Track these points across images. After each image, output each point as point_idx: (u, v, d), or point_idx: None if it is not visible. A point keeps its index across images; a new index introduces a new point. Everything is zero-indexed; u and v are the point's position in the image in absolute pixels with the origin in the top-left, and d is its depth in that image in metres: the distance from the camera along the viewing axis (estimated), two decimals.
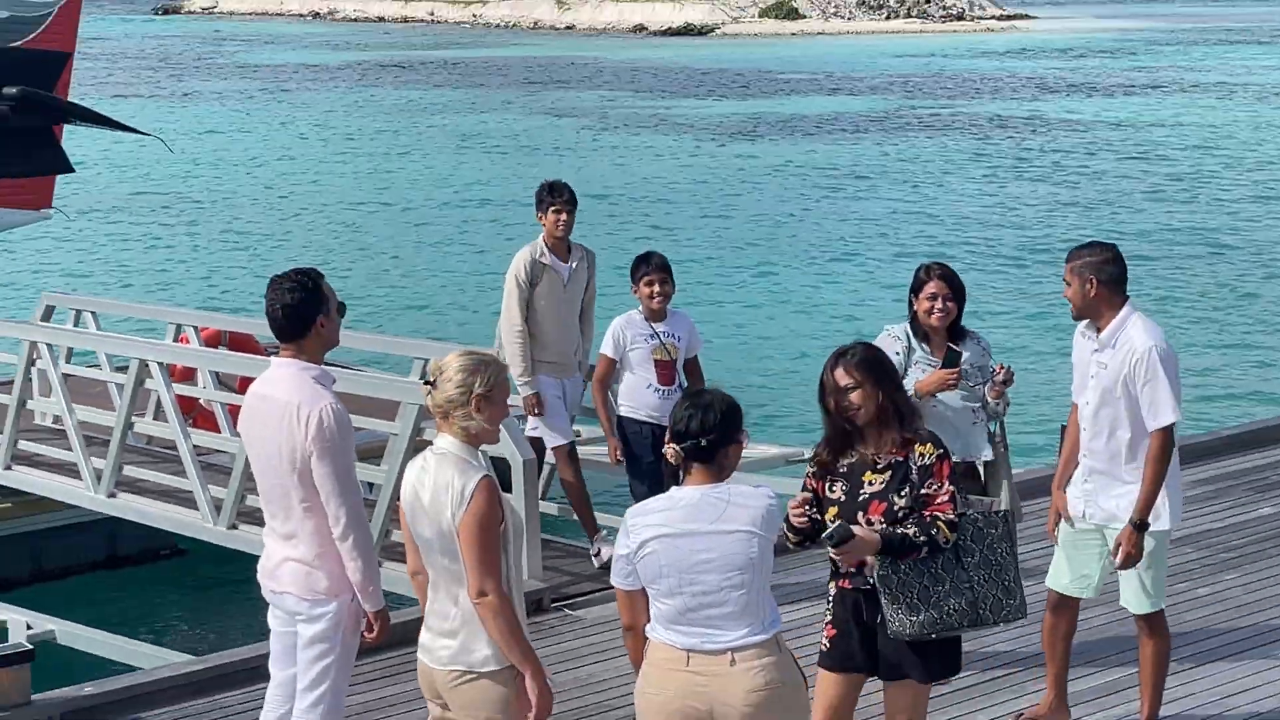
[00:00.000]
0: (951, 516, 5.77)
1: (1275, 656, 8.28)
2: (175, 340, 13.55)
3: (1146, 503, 6.87)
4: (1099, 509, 7.06)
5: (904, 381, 7.38)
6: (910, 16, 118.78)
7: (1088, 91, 66.63)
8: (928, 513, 5.76)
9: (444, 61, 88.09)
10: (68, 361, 13.24)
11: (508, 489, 8.75)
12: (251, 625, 11.76)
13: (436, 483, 5.51)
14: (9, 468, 12.72)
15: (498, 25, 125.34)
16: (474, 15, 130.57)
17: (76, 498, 12.26)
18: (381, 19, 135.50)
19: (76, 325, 14.06)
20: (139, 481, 11.91)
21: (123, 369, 12.38)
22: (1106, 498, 7.02)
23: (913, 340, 7.65)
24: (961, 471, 7.47)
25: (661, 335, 9.12)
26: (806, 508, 5.90)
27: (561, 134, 53.38)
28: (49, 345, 12.58)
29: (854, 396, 5.80)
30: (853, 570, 5.87)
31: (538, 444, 9.87)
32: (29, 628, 10.64)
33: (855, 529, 5.64)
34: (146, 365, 11.49)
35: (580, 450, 10.21)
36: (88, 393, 13.31)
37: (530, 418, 9.84)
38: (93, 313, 14.26)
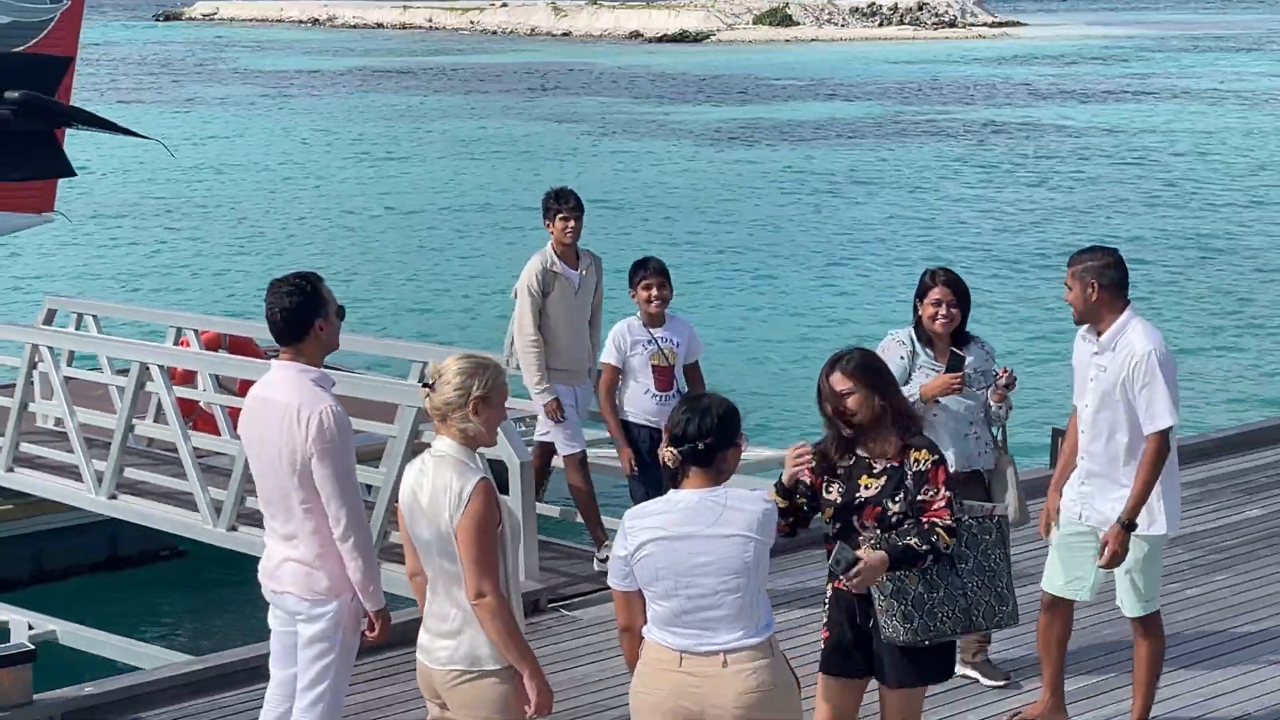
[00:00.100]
0: (950, 522, 5.78)
1: (1264, 658, 8.33)
2: (176, 343, 13.64)
3: (1136, 504, 6.89)
4: (1095, 511, 7.07)
5: (908, 387, 7.45)
6: (903, 24, 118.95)
7: (1080, 98, 66.63)
8: (925, 519, 5.77)
9: (442, 67, 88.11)
10: (69, 364, 13.28)
11: (505, 491, 8.82)
12: (251, 626, 11.82)
13: (435, 485, 5.54)
14: (11, 470, 12.76)
15: (495, 31, 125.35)
16: (471, 21, 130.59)
17: (78, 499, 12.30)
18: (380, 25, 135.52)
19: (78, 328, 14.11)
20: (140, 483, 11.95)
21: (124, 372, 12.42)
22: (1103, 501, 7.04)
23: (917, 345, 7.64)
24: (965, 478, 7.54)
25: (659, 341, 9.09)
26: (801, 484, 5.88)
27: (559, 139, 53.40)
28: (51, 348, 12.62)
29: (850, 402, 5.81)
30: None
31: (550, 448, 9.89)
32: (30, 628, 10.71)
33: (860, 554, 5.64)
34: (147, 368, 11.53)
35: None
36: (89, 395, 13.37)
37: (540, 422, 9.87)
38: (94, 316, 14.31)
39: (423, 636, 5.74)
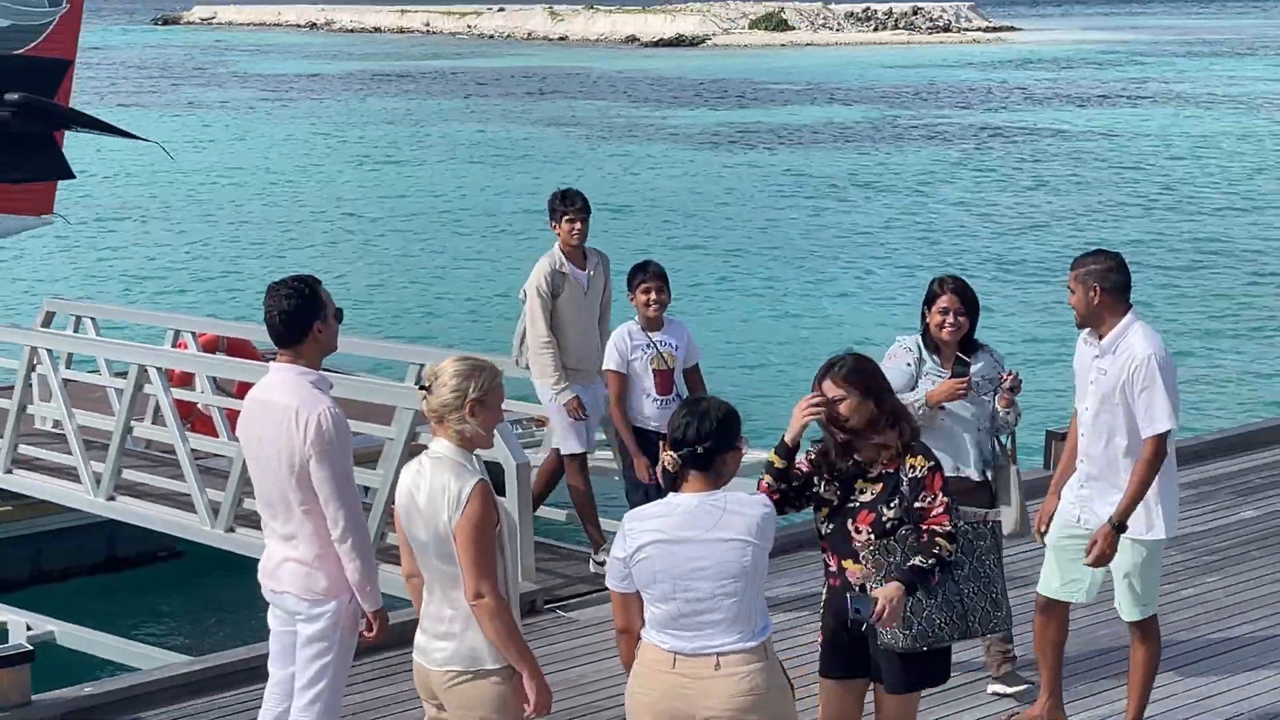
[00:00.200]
0: (949, 528, 5.79)
1: (1257, 658, 8.36)
2: (174, 346, 13.68)
3: (1128, 506, 6.89)
4: (1094, 515, 7.06)
5: (914, 393, 7.47)
6: (898, 29, 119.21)
7: (1075, 102, 66.74)
8: (925, 526, 5.77)
9: (439, 71, 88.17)
10: (68, 367, 13.30)
11: (501, 492, 8.85)
12: (249, 626, 11.88)
13: (432, 486, 5.55)
14: (10, 471, 12.80)
15: (492, 36, 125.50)
16: (469, 26, 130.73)
17: (76, 501, 12.34)
18: (378, 29, 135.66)
19: (76, 331, 14.15)
20: (138, 485, 11.99)
21: (122, 374, 12.44)
22: (1102, 504, 7.02)
23: (924, 352, 7.62)
24: (973, 486, 7.55)
25: (659, 345, 9.05)
26: (798, 467, 5.87)
27: (556, 143, 53.44)
28: (49, 350, 12.65)
29: (843, 407, 5.81)
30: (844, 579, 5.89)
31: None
32: (29, 629, 10.75)
33: (876, 593, 5.62)
34: (145, 370, 11.56)
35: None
36: (87, 397, 13.40)
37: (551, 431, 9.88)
38: (92, 318, 14.34)
39: (419, 638, 5.76)
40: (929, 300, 7.64)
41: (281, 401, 6.12)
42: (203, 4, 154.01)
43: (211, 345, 14.23)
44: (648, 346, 9.05)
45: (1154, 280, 28.29)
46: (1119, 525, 6.93)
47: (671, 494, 5.38)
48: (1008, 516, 7.65)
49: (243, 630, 11.98)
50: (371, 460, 11.11)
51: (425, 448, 5.74)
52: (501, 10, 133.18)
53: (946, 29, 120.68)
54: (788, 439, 5.85)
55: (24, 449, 12.88)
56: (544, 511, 10.73)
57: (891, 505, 5.79)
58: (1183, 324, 25.58)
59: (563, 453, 9.88)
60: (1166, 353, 6.94)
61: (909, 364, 7.58)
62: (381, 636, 6.33)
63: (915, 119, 60.07)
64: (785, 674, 5.41)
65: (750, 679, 5.26)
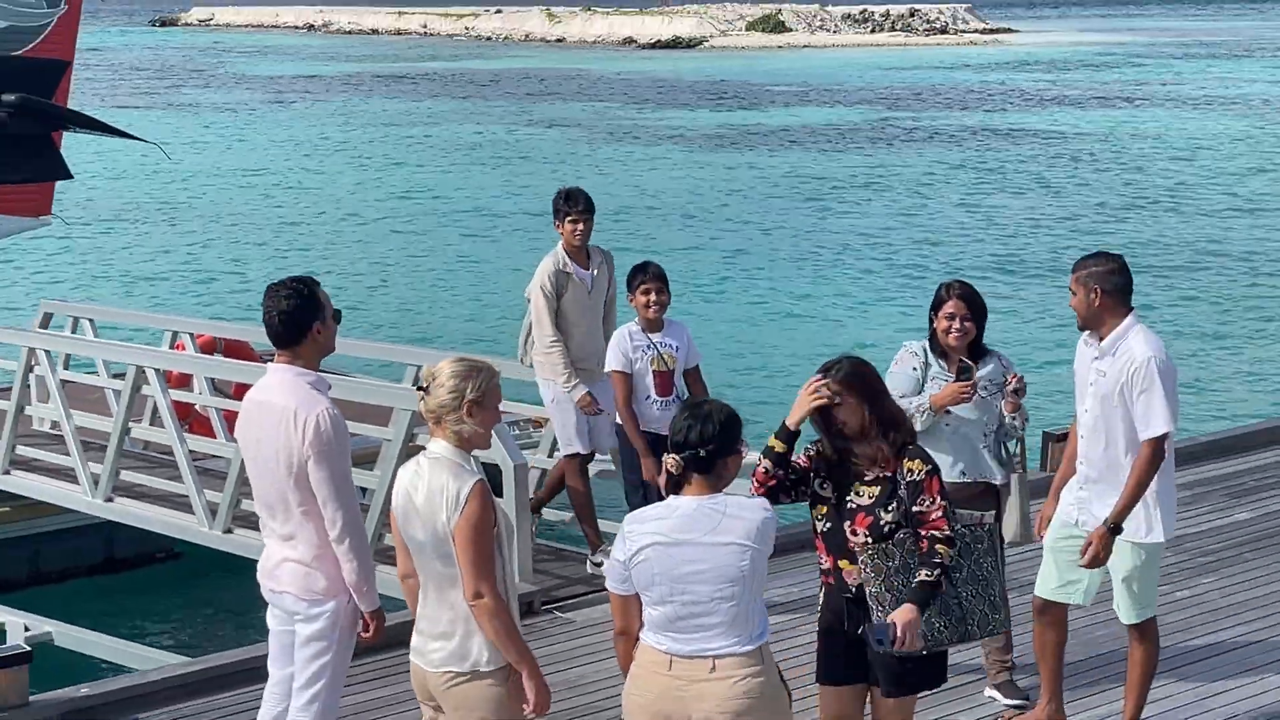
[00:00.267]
0: (948, 532, 5.79)
1: (1252, 659, 8.39)
2: (171, 347, 13.70)
3: (1124, 508, 6.89)
4: (1093, 517, 7.05)
5: (919, 397, 7.48)
6: (895, 30, 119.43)
7: (1072, 104, 66.87)
8: (924, 532, 5.77)
9: (437, 73, 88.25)
10: (65, 368, 13.35)
11: (498, 493, 8.87)
12: (246, 627, 11.93)
13: (431, 486, 5.56)
14: (7, 472, 12.82)
15: (489, 37, 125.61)
16: (466, 28, 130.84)
17: (74, 502, 12.36)
18: (375, 31, 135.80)
19: (74, 332, 14.17)
20: (136, 486, 12.01)
21: (120, 375, 12.47)
22: (1101, 506, 7.01)
23: (930, 356, 7.60)
24: (980, 490, 7.56)
25: (659, 346, 9.01)
26: (793, 459, 5.88)
27: (554, 144, 53.49)
28: (47, 352, 12.67)
29: (839, 411, 5.81)
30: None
31: (582, 458, 9.82)
32: (27, 629, 10.79)
33: (891, 617, 5.63)
34: (143, 372, 11.59)
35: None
36: (85, 399, 13.43)
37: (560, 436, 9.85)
38: (90, 320, 14.38)
39: (415, 639, 5.77)
40: (936, 305, 7.62)
41: (280, 402, 6.13)
42: (200, 5, 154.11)
43: (209, 346, 14.25)
44: (648, 348, 9.01)
45: (1148, 281, 28.33)
46: (1114, 527, 6.93)
47: (672, 497, 5.38)
48: (1010, 523, 7.65)
49: (240, 631, 12.03)
50: (369, 461, 11.13)
51: (423, 449, 5.74)
52: (499, 12, 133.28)
53: (943, 31, 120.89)
54: (790, 423, 5.84)
55: (22, 450, 12.90)
56: (558, 514, 10.74)
57: (889, 509, 5.78)
58: (1177, 325, 25.64)
59: (563, 453, 9.89)
60: (1167, 356, 6.93)
61: (915, 368, 7.57)
62: (378, 637, 6.34)
63: (912, 121, 60.16)
64: (782, 678, 5.42)
65: (745, 683, 5.26)
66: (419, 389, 5.69)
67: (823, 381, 5.80)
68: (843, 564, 5.88)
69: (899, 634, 5.61)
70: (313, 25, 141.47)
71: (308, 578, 6.18)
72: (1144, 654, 7.24)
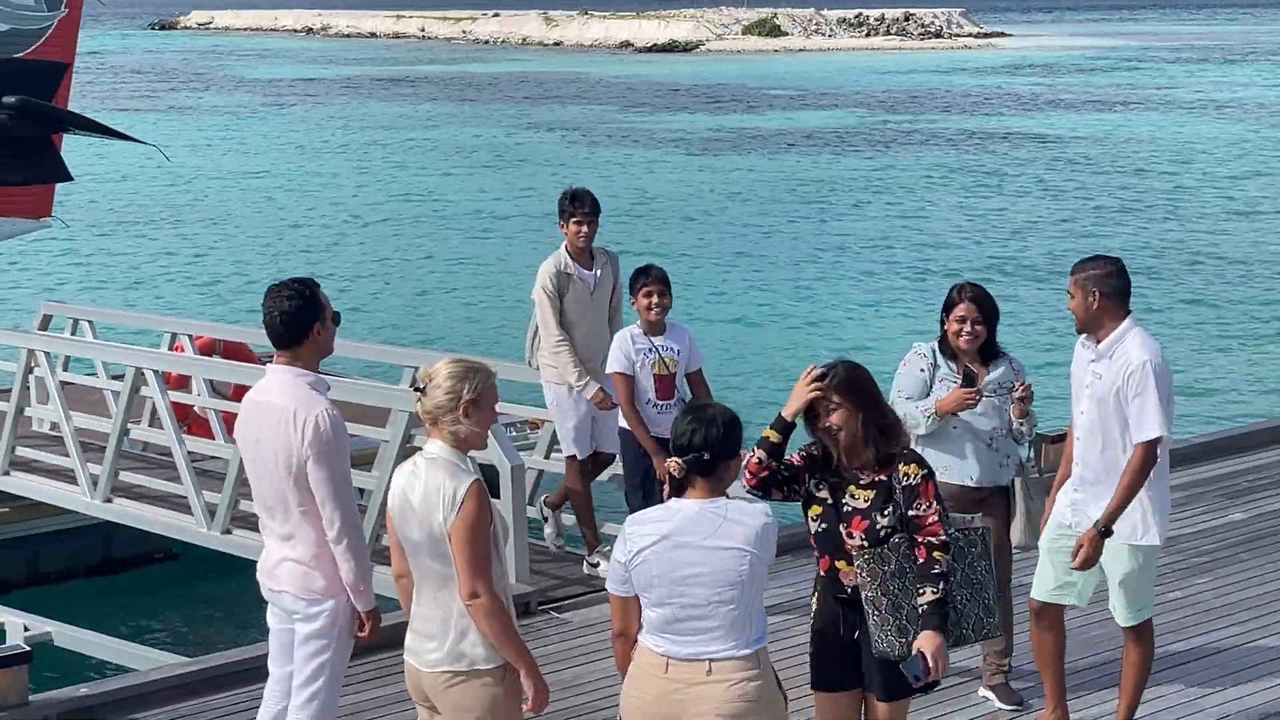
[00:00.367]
0: (944, 537, 5.80)
1: (1246, 660, 8.41)
2: (170, 349, 13.74)
3: (1115, 511, 6.90)
4: (1088, 519, 7.04)
5: (925, 400, 7.50)
6: (889, 34, 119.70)
7: (1066, 107, 66.95)
8: (921, 538, 5.77)
9: (435, 76, 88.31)
10: (65, 369, 13.36)
11: (495, 495, 8.89)
12: (244, 627, 11.95)
13: (427, 486, 5.58)
14: (7, 473, 12.87)
15: (487, 41, 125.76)
16: (464, 31, 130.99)
17: (73, 503, 12.41)
18: (374, 34, 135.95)
19: (74, 334, 14.20)
20: (134, 487, 12.05)
21: (119, 377, 12.50)
22: (1096, 508, 7.00)
23: (940, 358, 7.61)
24: (987, 494, 7.58)
25: (660, 349, 8.96)
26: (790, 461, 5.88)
27: (551, 147, 53.53)
28: (46, 353, 12.70)
29: (834, 418, 5.79)
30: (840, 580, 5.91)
31: (601, 459, 9.83)
32: (26, 630, 10.79)
33: (918, 647, 5.66)
34: (142, 373, 11.63)
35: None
36: (84, 400, 13.48)
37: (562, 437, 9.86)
38: (90, 321, 14.41)
39: (410, 639, 5.78)
40: (947, 307, 7.62)
41: (279, 403, 6.14)
42: (200, 9, 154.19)
43: (208, 348, 14.28)
44: (649, 351, 8.97)
45: (1142, 284, 28.38)
46: (1105, 530, 6.95)
47: (673, 499, 5.37)
48: (1016, 527, 7.66)
49: (238, 631, 12.05)
50: (367, 463, 11.13)
51: (420, 450, 5.76)
52: (496, 16, 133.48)
53: (938, 35, 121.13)
54: (787, 414, 5.85)
55: (21, 451, 12.94)
56: (537, 513, 10.76)
57: (886, 513, 5.78)
58: (1171, 327, 25.68)
59: (564, 452, 9.90)
60: (1163, 360, 6.93)
61: (923, 369, 7.59)
62: (374, 637, 6.35)
63: (908, 124, 60.24)
64: (779, 683, 5.42)
65: (741, 687, 5.25)
66: (416, 390, 5.71)
67: (817, 372, 5.82)
68: (839, 565, 5.87)
69: (931, 664, 5.65)
70: (311, 29, 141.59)
71: (306, 577, 6.20)
72: (1139, 655, 7.25)
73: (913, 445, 7.51)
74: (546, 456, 11.15)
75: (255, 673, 7.50)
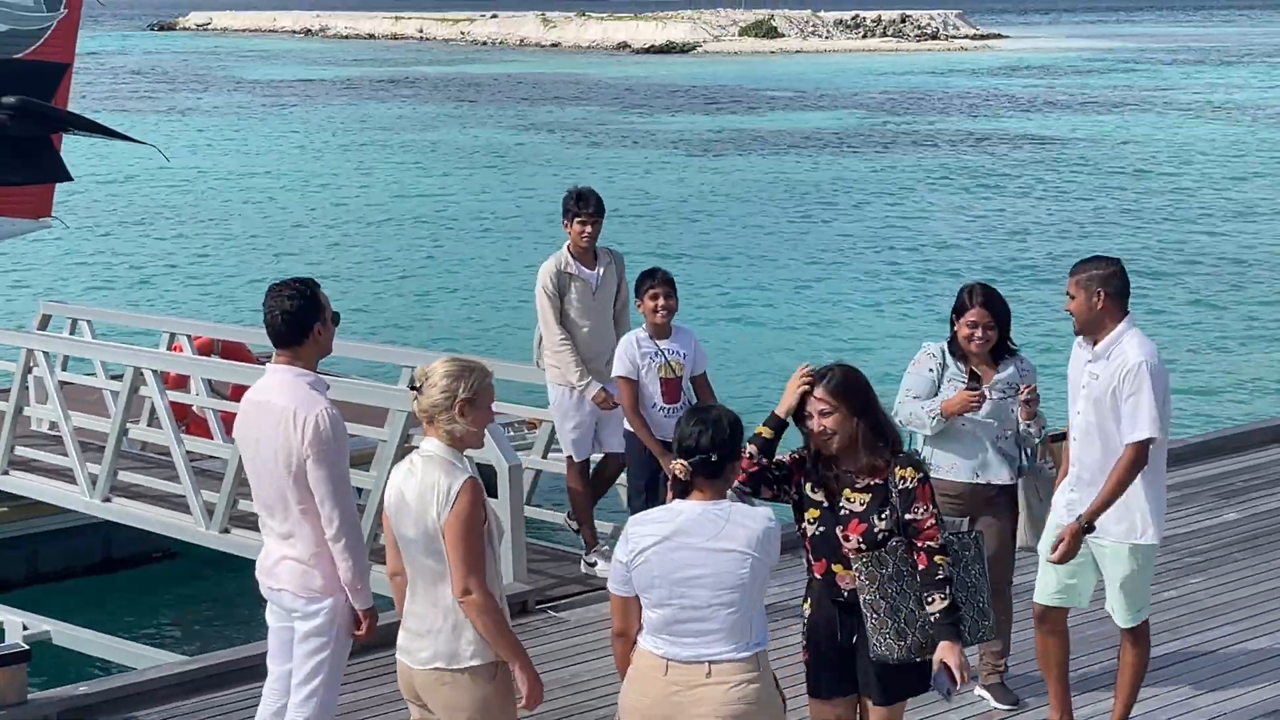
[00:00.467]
0: (941, 541, 5.82)
1: (1240, 659, 8.43)
2: (169, 349, 13.76)
3: (1099, 507, 6.90)
4: None
5: (932, 401, 7.51)
6: (886, 36, 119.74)
7: (1063, 109, 66.98)
8: (920, 543, 5.77)
9: (433, 77, 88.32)
10: (64, 369, 13.38)
11: (493, 494, 8.92)
12: (243, 626, 11.99)
13: (423, 483, 5.60)
14: (6, 473, 12.89)
15: (485, 42, 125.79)
16: (462, 32, 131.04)
17: (72, 502, 12.43)
18: (372, 36, 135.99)
19: (73, 334, 14.22)
20: (133, 486, 12.07)
21: (118, 377, 12.53)
22: None
23: (949, 359, 7.61)
24: (994, 494, 7.60)
25: (666, 353, 8.90)
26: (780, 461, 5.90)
27: (549, 148, 53.54)
28: (46, 353, 12.72)
29: (829, 421, 5.79)
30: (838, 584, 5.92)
31: (616, 459, 9.81)
32: (25, 628, 10.81)
33: (942, 661, 5.70)
34: (141, 373, 11.66)
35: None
36: (83, 400, 13.50)
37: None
38: (89, 321, 14.43)
39: (402, 637, 5.79)
40: (958, 309, 7.60)
41: (279, 402, 6.16)
42: (199, 10, 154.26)
43: (206, 348, 14.30)
44: (655, 354, 8.89)
45: (1137, 285, 28.41)
46: (1088, 526, 6.95)
47: (676, 500, 5.37)
48: (1022, 527, 7.67)
49: (237, 630, 12.09)
50: (365, 462, 11.15)
51: (418, 449, 5.79)
52: (494, 17, 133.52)
53: (934, 36, 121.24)
54: (779, 411, 5.87)
55: (20, 450, 12.97)
56: (534, 512, 10.80)
57: (883, 516, 5.79)
58: (1166, 328, 25.71)
59: (565, 453, 9.90)
60: (1160, 362, 6.94)
61: (931, 369, 7.60)
62: (371, 636, 6.37)
63: (906, 125, 60.26)
64: (778, 687, 5.42)
65: (741, 688, 5.25)
66: (412, 388, 5.74)
67: (809, 369, 5.84)
68: (835, 568, 5.88)
69: (956, 675, 5.69)
70: (310, 30, 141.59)
71: (305, 575, 6.22)
72: (1136, 656, 7.27)
73: (920, 444, 7.63)
74: (544, 456, 11.17)
75: (254, 671, 7.51)
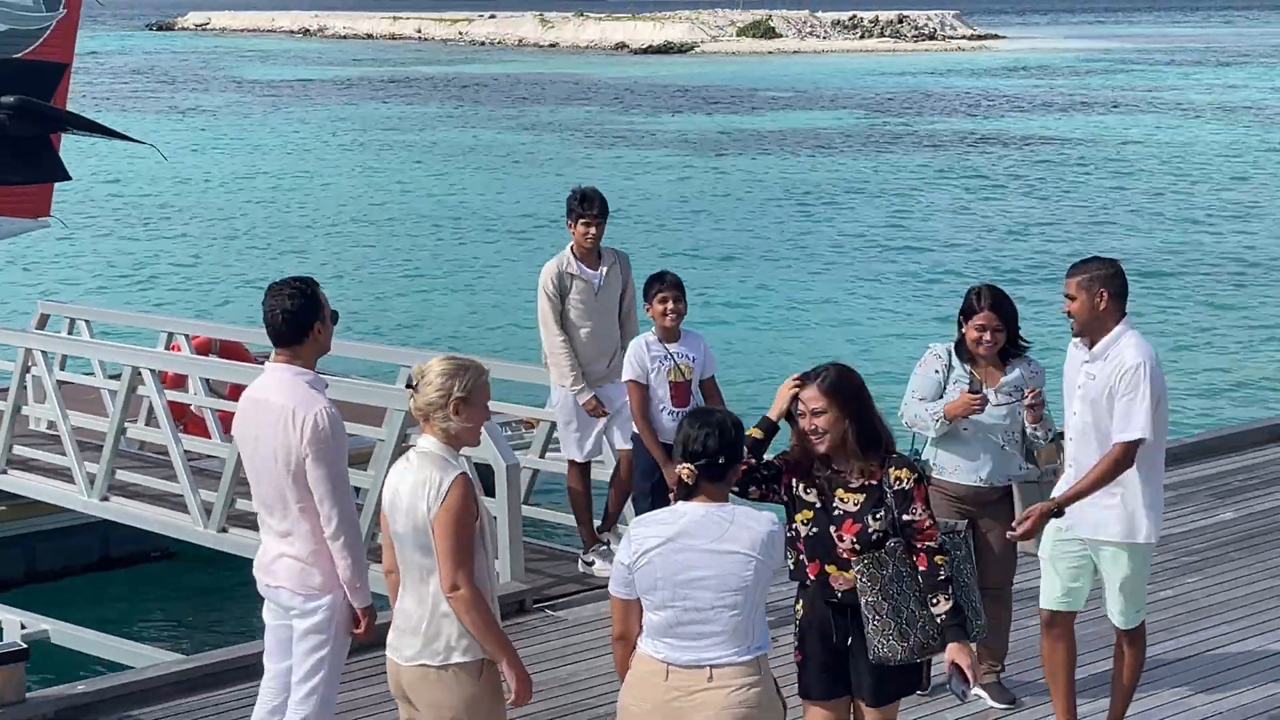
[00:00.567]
0: (938, 541, 5.83)
1: (1236, 659, 8.44)
2: (167, 348, 13.78)
3: (1073, 497, 6.88)
4: (1083, 520, 7.04)
5: (935, 404, 7.51)
6: (883, 36, 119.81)
7: (1060, 109, 67.02)
8: (920, 545, 5.78)
9: (431, 77, 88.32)
10: (62, 368, 13.40)
11: (490, 493, 8.93)
12: (240, 625, 12.01)
13: (416, 479, 5.63)
14: (4, 472, 12.90)
15: (483, 42, 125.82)
16: (460, 33, 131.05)
17: (70, 501, 12.44)
18: (370, 36, 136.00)
19: (71, 333, 14.25)
20: (131, 486, 12.08)
21: (116, 376, 12.53)
22: (1092, 509, 6.99)
23: (955, 360, 7.61)
24: (999, 495, 7.61)
25: (676, 356, 8.84)
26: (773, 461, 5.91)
27: (548, 148, 53.55)
28: (44, 352, 12.72)
29: (821, 421, 5.79)
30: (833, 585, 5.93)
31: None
32: (23, 627, 10.84)
33: (951, 663, 5.75)
34: (139, 372, 11.67)
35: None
36: (81, 399, 13.50)
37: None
38: (87, 321, 14.45)
39: (391, 634, 5.81)
40: (966, 312, 7.60)
41: (278, 401, 6.18)
42: (197, 10, 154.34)
43: (204, 348, 14.31)
44: (665, 358, 8.83)
45: (1134, 284, 28.44)
46: (1058, 510, 6.93)
47: (679, 502, 5.36)
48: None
49: (235, 629, 12.11)
50: (362, 461, 11.17)
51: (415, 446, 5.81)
52: (492, 17, 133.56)
53: (931, 37, 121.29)
54: (771, 415, 5.89)
55: (18, 450, 12.98)
56: (531, 511, 10.81)
57: (878, 517, 5.79)
58: (1162, 327, 25.73)
59: (565, 454, 9.91)
60: (1157, 364, 6.94)
61: (937, 370, 7.61)
62: (369, 634, 6.37)
63: (904, 126, 60.29)
64: (779, 691, 5.42)
65: (742, 692, 5.23)
66: (408, 387, 5.75)
67: (800, 378, 5.86)
68: (829, 569, 5.88)
69: (968, 675, 5.73)
70: (308, 30, 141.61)
71: (304, 573, 6.23)
72: (1133, 656, 7.27)
73: (926, 445, 7.64)
74: (542, 455, 11.18)
75: (252, 670, 7.51)
